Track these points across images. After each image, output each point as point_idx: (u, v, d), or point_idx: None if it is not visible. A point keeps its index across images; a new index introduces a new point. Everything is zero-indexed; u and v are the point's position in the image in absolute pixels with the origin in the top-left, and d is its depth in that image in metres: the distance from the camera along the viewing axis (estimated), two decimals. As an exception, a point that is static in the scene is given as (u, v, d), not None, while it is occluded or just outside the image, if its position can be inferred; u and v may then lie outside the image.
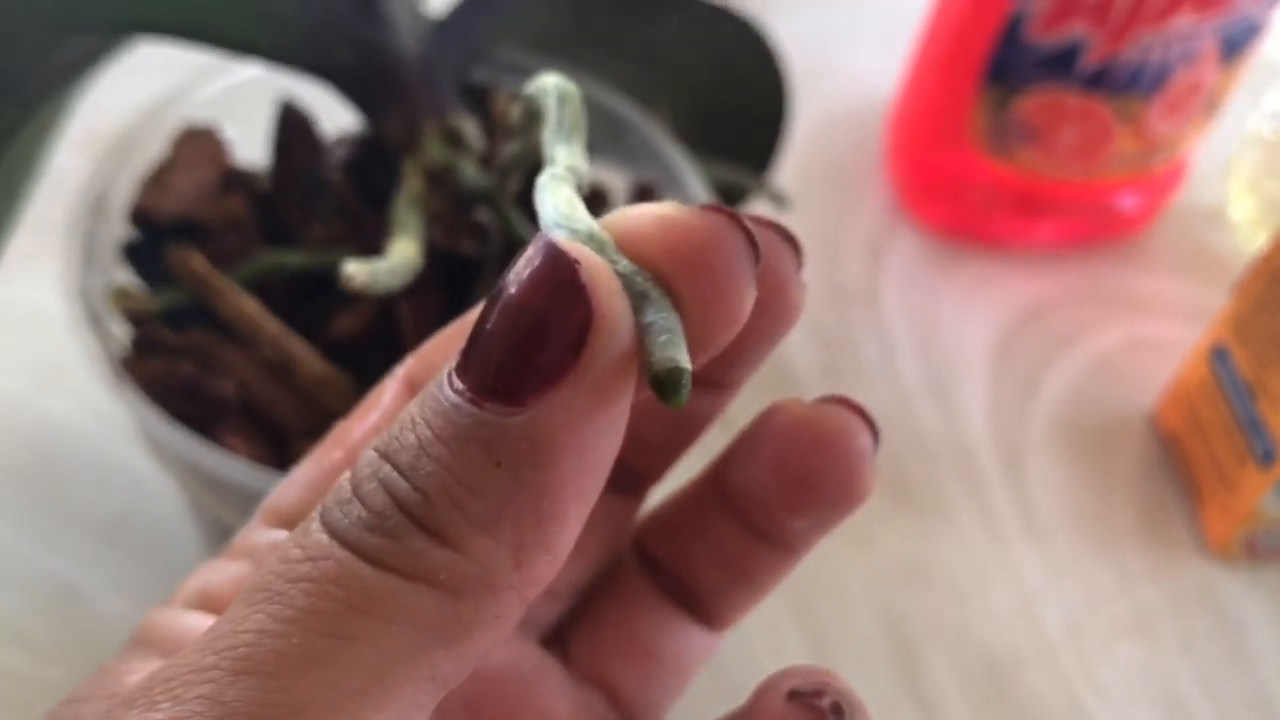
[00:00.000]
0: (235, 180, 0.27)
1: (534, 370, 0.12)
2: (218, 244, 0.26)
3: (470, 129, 0.26)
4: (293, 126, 0.28)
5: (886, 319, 0.42)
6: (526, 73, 0.31)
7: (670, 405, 0.12)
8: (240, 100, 0.28)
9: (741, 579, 0.18)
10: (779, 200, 0.36)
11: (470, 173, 0.25)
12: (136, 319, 0.24)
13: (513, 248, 0.26)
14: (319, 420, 0.24)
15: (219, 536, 0.28)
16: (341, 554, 0.12)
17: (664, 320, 0.13)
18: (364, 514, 0.12)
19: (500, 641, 0.13)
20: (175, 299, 0.24)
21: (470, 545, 0.12)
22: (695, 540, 0.18)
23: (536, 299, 0.12)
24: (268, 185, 0.27)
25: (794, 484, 0.17)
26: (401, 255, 0.20)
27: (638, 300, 0.13)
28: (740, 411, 0.19)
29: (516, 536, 0.12)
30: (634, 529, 0.19)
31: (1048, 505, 0.37)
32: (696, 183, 0.28)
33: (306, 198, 0.27)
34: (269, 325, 0.24)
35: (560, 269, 0.12)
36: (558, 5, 0.31)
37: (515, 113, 0.29)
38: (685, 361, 0.12)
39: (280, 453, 0.24)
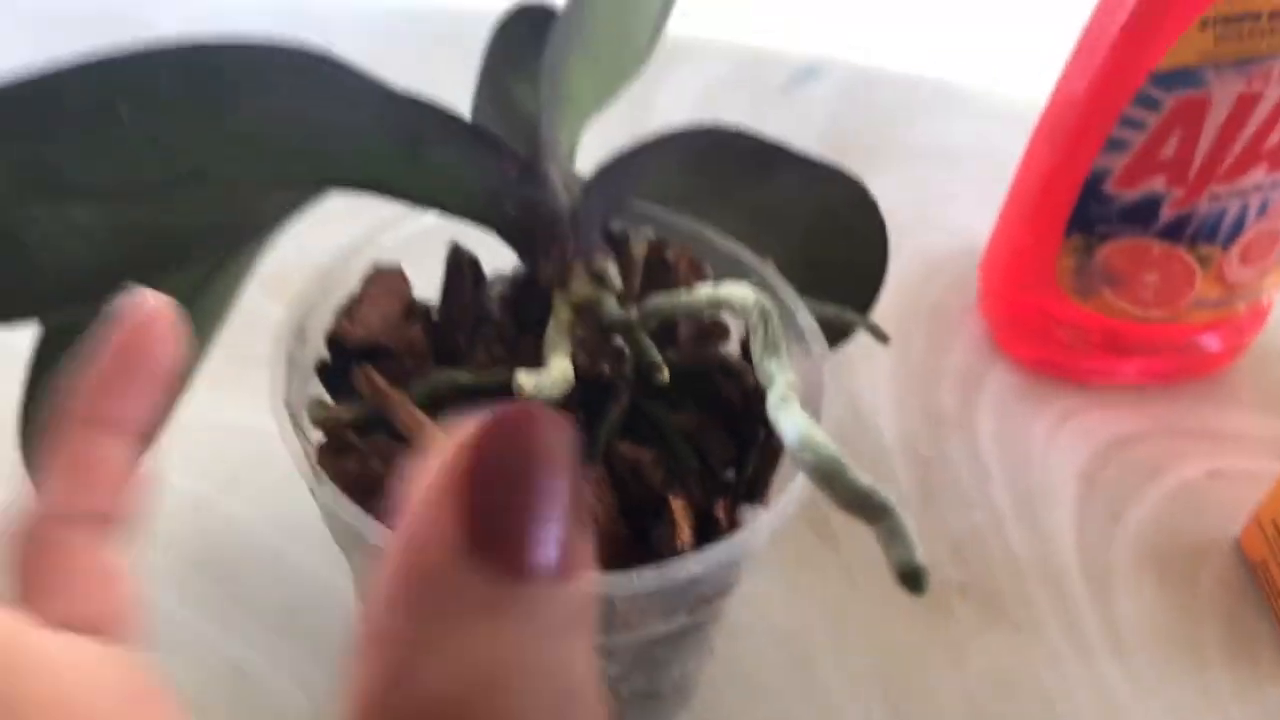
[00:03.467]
0: (414, 311, 0.32)
1: None
2: (398, 365, 0.30)
3: (611, 269, 0.30)
4: (460, 266, 0.32)
5: (980, 445, 0.45)
6: (656, 221, 0.36)
7: (915, 595, 0.16)
8: (419, 243, 0.33)
9: None
10: (879, 336, 0.40)
11: (612, 306, 0.29)
12: (330, 427, 0.29)
13: (644, 370, 0.30)
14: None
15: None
16: None
17: (899, 526, 0.17)
18: None
19: None
20: (362, 411, 0.29)
21: None
22: None
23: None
24: (439, 315, 0.32)
25: None
26: (560, 370, 0.24)
27: (879, 512, 0.17)
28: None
29: None
30: None
31: (1135, 625, 0.39)
32: (806, 316, 0.32)
33: (471, 326, 0.31)
34: (436, 433, 0.28)
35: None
36: (685, 167, 0.36)
37: (639, 251, 0.34)
38: (921, 563, 0.16)
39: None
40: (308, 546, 0.40)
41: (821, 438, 0.17)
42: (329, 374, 0.31)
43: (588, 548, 0.14)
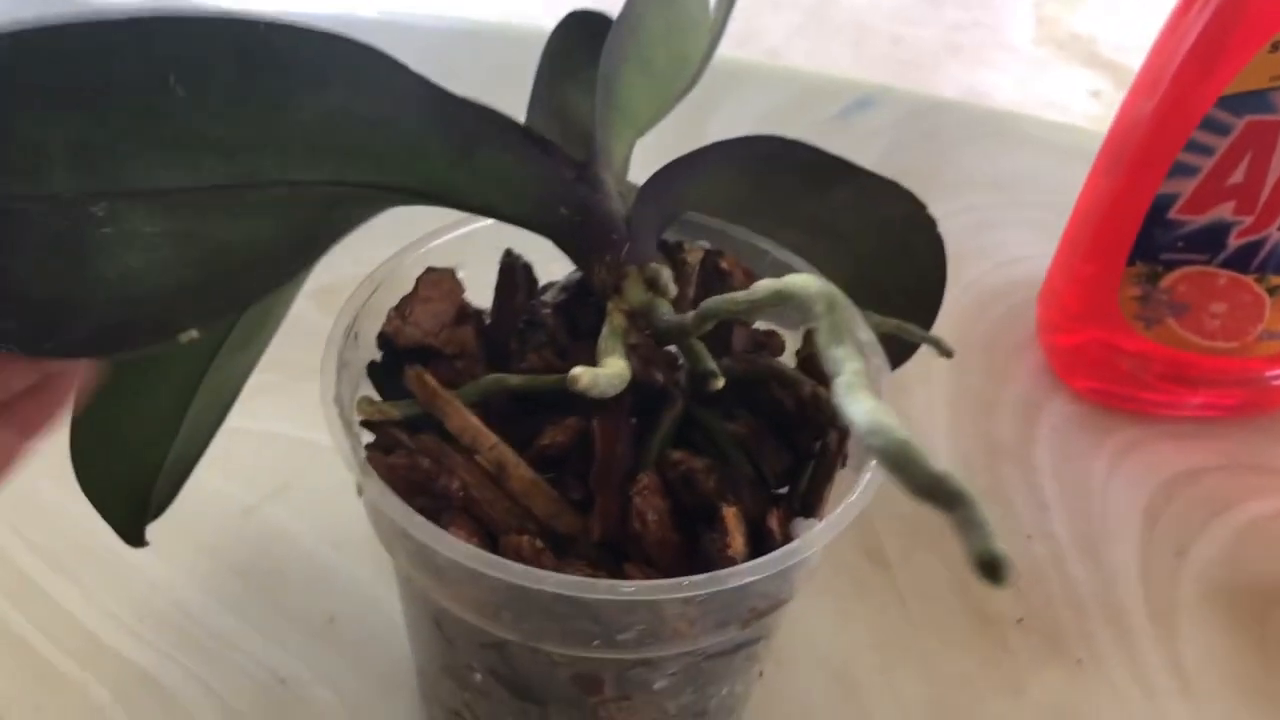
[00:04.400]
0: (466, 314, 0.31)
1: None
2: (448, 366, 0.30)
3: (665, 275, 0.29)
4: (514, 271, 0.32)
5: (1038, 476, 0.44)
6: (711, 232, 0.35)
7: (995, 585, 0.15)
8: (472, 249, 0.33)
9: None
10: (942, 350, 0.39)
11: (666, 312, 0.29)
12: (378, 423, 0.28)
13: (699, 378, 0.29)
14: (524, 520, 0.28)
15: (425, 632, 0.31)
16: None
17: (976, 514, 0.16)
18: None
19: None
20: (411, 410, 0.29)
21: None
22: None
23: None
24: (490, 319, 0.32)
25: None
26: (616, 368, 0.24)
27: (953, 499, 0.16)
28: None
29: None
30: None
31: (1202, 665, 0.38)
32: (866, 330, 0.31)
33: (523, 331, 0.31)
34: (487, 437, 0.28)
35: None
36: (741, 178, 0.35)
37: (694, 258, 0.33)
38: (1001, 550, 0.15)
39: (491, 546, 0.27)
40: (353, 557, 0.39)
41: (892, 421, 0.16)
42: (380, 373, 0.31)
43: None
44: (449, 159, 0.28)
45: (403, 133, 0.27)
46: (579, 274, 0.34)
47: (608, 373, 0.23)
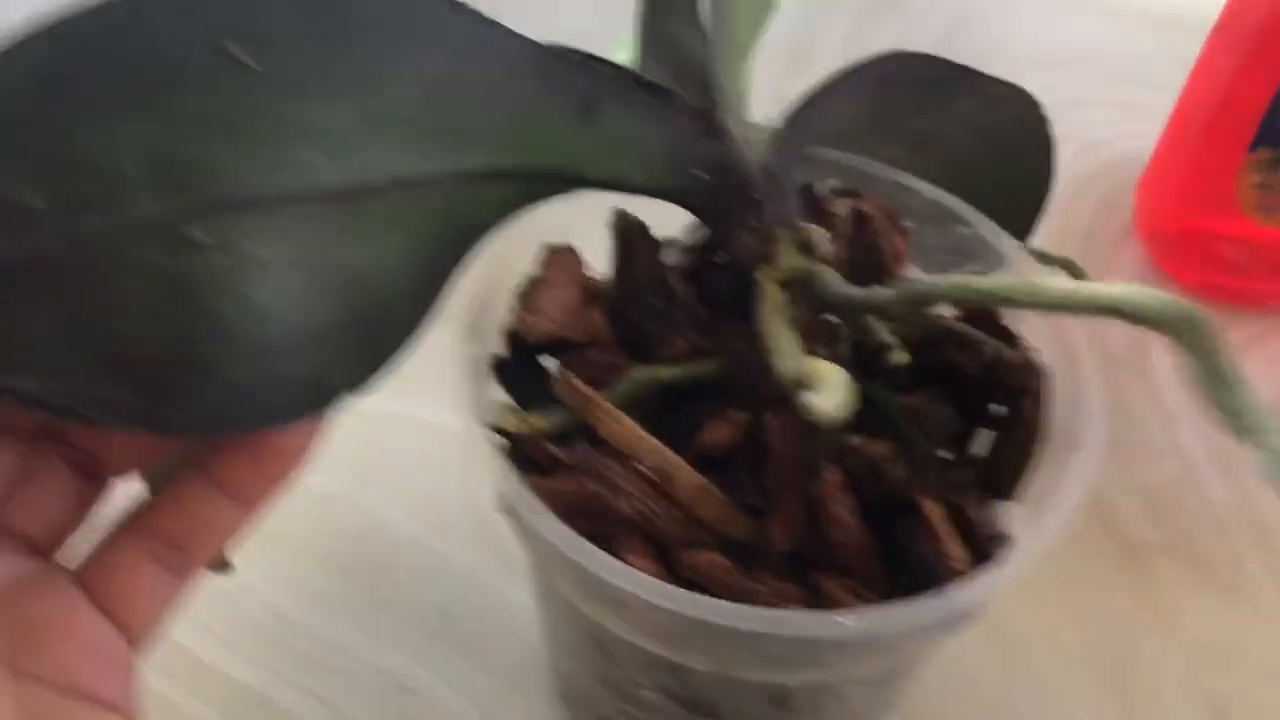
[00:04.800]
0: (592, 294, 0.28)
1: None
2: (584, 360, 0.26)
3: (819, 236, 0.26)
4: (630, 236, 0.29)
5: (1159, 385, 0.41)
6: (821, 164, 0.32)
7: None
8: (566, 212, 0.29)
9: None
10: (1046, 260, 0.36)
11: (833, 282, 0.25)
12: (529, 440, 0.25)
13: (875, 351, 0.26)
14: (694, 530, 0.25)
15: (581, 648, 0.28)
16: None
17: None
18: None
19: None
20: (560, 419, 0.25)
21: None
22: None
23: None
24: (613, 294, 0.28)
25: None
26: (839, 381, 0.20)
27: None
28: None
29: None
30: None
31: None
32: (1009, 244, 0.29)
33: (655, 307, 0.28)
34: (647, 443, 0.25)
35: None
36: (857, 102, 0.32)
37: (842, 210, 0.30)
38: None
39: (664, 562, 0.24)
40: (457, 542, 0.36)
41: None
42: (507, 370, 0.27)
43: None
44: (571, 127, 0.24)
45: (515, 101, 0.23)
46: (701, 231, 0.30)
47: (838, 397, 0.20)
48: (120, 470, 0.22)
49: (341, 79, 0.21)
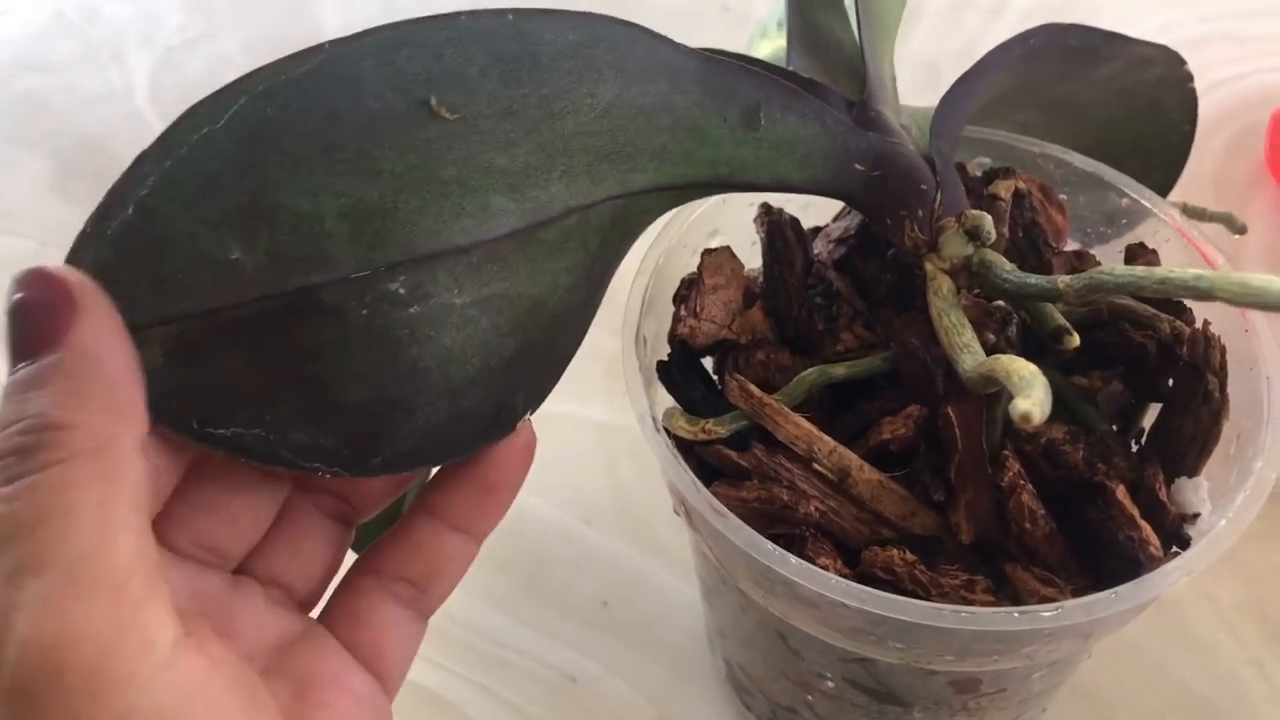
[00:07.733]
0: (752, 293, 0.28)
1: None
2: (751, 361, 0.27)
3: (987, 224, 0.26)
4: (782, 229, 0.28)
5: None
6: (990, 145, 0.31)
7: None
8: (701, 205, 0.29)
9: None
10: (1194, 214, 0.35)
11: (1008, 271, 0.25)
12: (708, 449, 0.25)
13: (1050, 335, 0.26)
14: (876, 525, 0.25)
15: (763, 642, 0.29)
16: None
17: None
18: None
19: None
20: (736, 424, 0.26)
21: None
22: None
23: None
24: (766, 289, 0.28)
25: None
26: (1036, 378, 0.20)
27: None
28: None
29: None
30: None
31: None
32: (1165, 209, 0.29)
33: (811, 300, 0.28)
34: (825, 443, 0.25)
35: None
36: (1005, 77, 0.31)
37: (1004, 192, 0.30)
38: None
39: (847, 560, 0.24)
40: (608, 531, 0.37)
41: None
42: (672, 373, 0.27)
43: None
44: (733, 136, 0.24)
45: (680, 117, 0.23)
46: (850, 220, 0.30)
47: (1039, 396, 0.19)
48: (367, 514, 0.23)
49: (525, 117, 0.21)
